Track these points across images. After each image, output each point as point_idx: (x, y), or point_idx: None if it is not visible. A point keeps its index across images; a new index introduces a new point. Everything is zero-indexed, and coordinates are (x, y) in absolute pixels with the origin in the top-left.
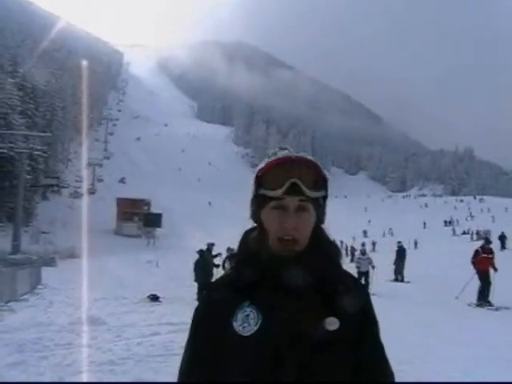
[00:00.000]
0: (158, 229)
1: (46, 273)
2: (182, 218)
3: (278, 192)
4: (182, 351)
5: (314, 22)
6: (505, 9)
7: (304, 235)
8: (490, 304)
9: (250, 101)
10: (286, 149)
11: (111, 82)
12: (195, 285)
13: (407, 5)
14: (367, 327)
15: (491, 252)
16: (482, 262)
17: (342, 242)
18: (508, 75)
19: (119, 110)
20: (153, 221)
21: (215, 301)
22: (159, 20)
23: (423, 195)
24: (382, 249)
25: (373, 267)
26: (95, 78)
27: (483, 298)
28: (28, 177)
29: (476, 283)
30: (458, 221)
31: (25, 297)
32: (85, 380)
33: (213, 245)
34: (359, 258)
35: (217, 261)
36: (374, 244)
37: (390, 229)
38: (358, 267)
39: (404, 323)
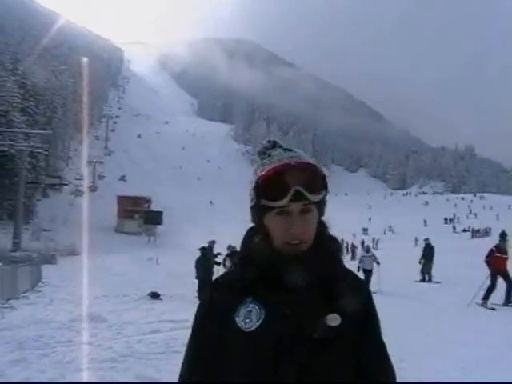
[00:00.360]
0: (158, 226)
1: (47, 270)
2: (182, 216)
3: (283, 202)
4: (183, 348)
5: (315, 20)
6: (505, 9)
7: (310, 236)
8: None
9: (250, 98)
10: (275, 145)
11: (112, 80)
12: (196, 282)
13: (409, 5)
14: (369, 325)
15: (506, 252)
16: (498, 261)
17: (342, 241)
18: (508, 75)
19: (119, 108)
20: (153, 218)
21: (218, 297)
22: (160, 17)
23: (424, 193)
24: (383, 245)
25: (377, 263)
26: (96, 76)
27: (487, 296)
28: (28, 175)
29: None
30: (458, 218)
31: (25, 294)
32: (85, 377)
33: (214, 242)
34: (363, 255)
35: (217, 259)
36: (376, 242)
37: (390, 226)
38: (361, 265)
39: (406, 322)
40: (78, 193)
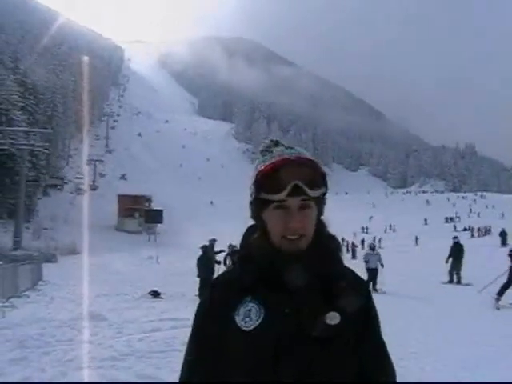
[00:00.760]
0: (158, 225)
1: (47, 269)
2: (182, 214)
3: (281, 196)
4: (183, 347)
5: (315, 19)
6: (505, 9)
7: (309, 231)
8: None
9: (251, 97)
10: (278, 143)
11: (112, 79)
12: (197, 280)
13: (410, 6)
14: (368, 323)
15: None
16: None
17: (343, 240)
18: (509, 73)
19: (120, 106)
20: (154, 217)
21: (218, 296)
22: (160, 16)
23: (424, 192)
24: (384, 244)
25: (382, 265)
26: (96, 74)
27: (502, 292)
28: (29, 173)
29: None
30: (459, 217)
31: (26, 293)
32: (86, 376)
33: (215, 241)
34: (368, 253)
35: (219, 257)
36: (379, 241)
37: (391, 225)
38: (366, 262)
39: (407, 321)
40: (78, 191)
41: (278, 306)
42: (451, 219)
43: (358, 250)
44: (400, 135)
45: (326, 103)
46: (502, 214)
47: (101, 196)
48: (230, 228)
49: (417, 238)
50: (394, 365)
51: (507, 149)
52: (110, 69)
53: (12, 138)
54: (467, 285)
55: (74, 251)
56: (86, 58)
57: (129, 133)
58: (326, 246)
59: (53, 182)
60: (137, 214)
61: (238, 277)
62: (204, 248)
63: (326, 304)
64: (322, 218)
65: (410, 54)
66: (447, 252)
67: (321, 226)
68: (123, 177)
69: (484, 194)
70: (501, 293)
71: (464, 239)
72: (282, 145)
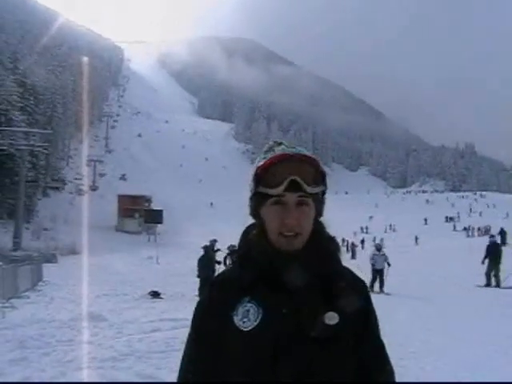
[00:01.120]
0: (158, 225)
1: (47, 269)
2: (182, 215)
3: (279, 190)
4: (183, 347)
5: (315, 19)
6: (505, 9)
7: (305, 229)
8: None
9: (250, 97)
10: (281, 144)
11: (112, 79)
12: (197, 281)
13: (410, 6)
14: (367, 323)
15: None
16: None
17: (343, 240)
18: (509, 73)
19: (120, 106)
20: (153, 217)
21: (216, 296)
22: (160, 16)
23: (424, 191)
24: (385, 244)
25: (388, 264)
26: (96, 75)
27: None
28: (29, 174)
29: None
30: (459, 217)
31: (26, 293)
32: (86, 376)
33: (215, 241)
34: (374, 254)
35: (218, 257)
36: (381, 240)
37: (391, 225)
38: (372, 264)
39: (408, 321)
40: (78, 192)
41: (277, 306)
42: (451, 219)
43: (358, 249)
44: (400, 135)
45: (326, 103)
46: (507, 214)
47: (101, 196)
48: (230, 228)
49: (417, 238)
50: (394, 364)
51: (507, 148)
52: (109, 69)
53: (12, 139)
54: (509, 288)
55: (73, 251)
56: (85, 59)
57: (128, 133)
58: (324, 246)
59: (54, 185)
60: (137, 215)
61: (236, 276)
62: (206, 248)
63: (324, 304)
64: (321, 219)
65: (409, 53)
66: (447, 251)
67: (319, 226)
68: (123, 177)
69: (484, 193)
70: None
71: (461, 238)
72: (285, 145)
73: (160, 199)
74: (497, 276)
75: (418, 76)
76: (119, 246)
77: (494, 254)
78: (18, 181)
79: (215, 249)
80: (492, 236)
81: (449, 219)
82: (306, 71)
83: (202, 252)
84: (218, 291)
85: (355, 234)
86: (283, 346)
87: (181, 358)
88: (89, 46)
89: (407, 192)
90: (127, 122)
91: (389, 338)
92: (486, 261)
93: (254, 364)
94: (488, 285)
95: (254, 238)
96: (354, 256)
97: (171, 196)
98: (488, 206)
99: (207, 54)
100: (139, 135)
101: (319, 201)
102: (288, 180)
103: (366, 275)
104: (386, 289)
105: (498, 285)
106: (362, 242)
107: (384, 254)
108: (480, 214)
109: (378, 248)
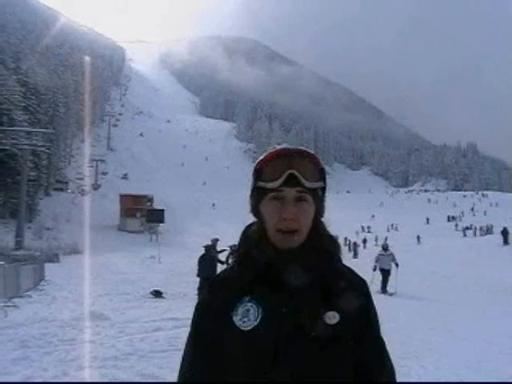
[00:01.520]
0: (160, 224)
1: (50, 269)
2: (184, 214)
3: (276, 183)
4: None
5: (317, 19)
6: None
7: (303, 225)
8: None
9: (252, 96)
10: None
11: (114, 78)
12: (197, 280)
13: (411, 6)
14: (368, 323)
15: None
16: None
17: (345, 239)
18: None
19: (122, 106)
20: (155, 217)
21: (216, 295)
22: (161, 16)
23: (426, 190)
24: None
25: (396, 265)
26: (97, 74)
27: None
28: (31, 173)
29: None
30: (462, 216)
31: (28, 293)
32: (88, 375)
33: (217, 240)
34: (380, 253)
35: (221, 256)
36: (385, 240)
37: (393, 224)
38: (379, 264)
39: (412, 321)
40: (80, 191)
41: (277, 305)
42: (453, 218)
43: (360, 249)
44: (402, 134)
45: (328, 102)
46: None
47: (102, 196)
48: (231, 227)
49: (419, 237)
50: (395, 364)
51: (509, 147)
52: (111, 69)
53: (14, 138)
54: None
55: (75, 251)
56: (87, 58)
57: (130, 132)
58: (324, 245)
59: (58, 186)
60: (138, 214)
61: (236, 276)
62: (207, 247)
63: (325, 303)
64: (322, 219)
65: (412, 52)
66: (449, 251)
67: (320, 225)
68: (125, 176)
69: (485, 192)
70: None
71: (458, 238)
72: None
73: (162, 199)
74: None
75: (420, 75)
76: (121, 246)
77: None
78: (20, 180)
79: (219, 249)
80: None
81: (451, 218)
82: (307, 70)
83: (202, 251)
84: (217, 291)
85: (357, 233)
86: (283, 346)
87: (181, 357)
88: (90, 46)
89: (409, 191)
90: (129, 122)
91: (390, 337)
92: None
93: (254, 364)
94: None
95: (253, 236)
96: (356, 255)
97: (173, 195)
98: (491, 205)
99: (209, 53)
100: (141, 135)
101: (319, 198)
102: (286, 174)
103: (368, 275)
104: (390, 290)
105: None
106: (364, 241)
107: (391, 254)
108: (485, 213)
109: (385, 248)
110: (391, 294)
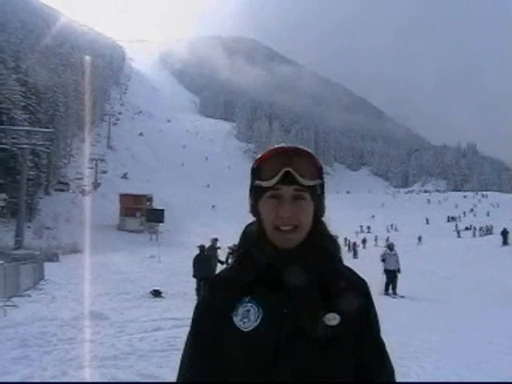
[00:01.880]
0: (160, 224)
1: (49, 268)
2: (184, 214)
3: (272, 181)
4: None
5: (317, 19)
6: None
7: (302, 223)
8: None
9: (252, 96)
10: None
11: (114, 78)
12: (194, 280)
13: (411, 4)
14: (368, 323)
15: None
16: None
17: (345, 239)
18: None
19: (122, 104)
20: (155, 216)
21: (216, 296)
22: (161, 16)
23: (426, 191)
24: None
25: (398, 269)
26: (97, 74)
27: None
28: (31, 172)
29: None
30: (460, 217)
31: (27, 292)
32: (87, 375)
33: (216, 240)
34: (386, 253)
35: (219, 256)
36: (386, 240)
37: (392, 224)
38: (384, 265)
39: (414, 321)
40: (81, 191)
41: (277, 306)
42: (453, 218)
43: (360, 249)
44: (402, 134)
45: (328, 102)
46: None
47: (102, 195)
48: (231, 227)
49: (420, 238)
50: (395, 364)
51: (509, 148)
52: (111, 68)
53: (14, 138)
54: None
55: (75, 250)
56: (87, 58)
57: (130, 132)
58: (325, 245)
59: (59, 187)
60: (138, 214)
61: (236, 276)
62: (201, 247)
63: (325, 304)
64: (323, 218)
65: (411, 52)
66: (450, 251)
67: (320, 225)
68: (125, 176)
69: (485, 193)
70: None
71: (452, 239)
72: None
73: (161, 198)
74: None
75: (420, 75)
76: (121, 245)
77: None
78: (19, 179)
79: (216, 247)
80: None
81: (451, 219)
82: (307, 70)
83: (197, 251)
84: (217, 291)
85: (357, 233)
86: (284, 347)
87: (180, 357)
88: (90, 45)
89: (409, 191)
90: (129, 121)
91: (390, 338)
92: None
93: (254, 364)
94: None
95: (252, 235)
96: (355, 255)
97: (173, 195)
98: (492, 206)
99: (209, 53)
100: (141, 134)
101: (317, 196)
102: (282, 172)
103: (368, 275)
104: (399, 292)
105: None
106: (364, 241)
107: (396, 254)
108: (488, 214)
109: (391, 247)
110: (402, 297)
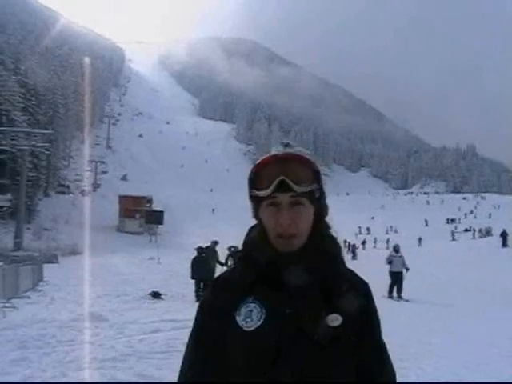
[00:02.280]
0: (159, 226)
1: (48, 269)
2: (183, 215)
3: (268, 191)
4: (184, 348)
5: (316, 20)
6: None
7: (301, 229)
8: None
9: (251, 97)
10: (287, 144)
11: (113, 79)
12: (193, 282)
13: (410, 6)
14: (369, 325)
15: None
16: None
17: (345, 241)
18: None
19: (121, 106)
20: (155, 218)
21: (219, 296)
22: (160, 17)
23: (425, 193)
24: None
25: (406, 269)
26: (97, 75)
27: None
28: (30, 174)
29: None
30: (461, 219)
31: (27, 293)
32: (87, 376)
33: (216, 242)
34: (392, 255)
35: (219, 257)
36: (387, 241)
37: (391, 226)
38: (389, 265)
39: (414, 322)
40: (81, 192)
41: (280, 306)
42: (452, 220)
43: (359, 250)
44: (401, 136)
45: (327, 104)
46: None
47: (102, 197)
48: (231, 229)
49: (420, 239)
50: (395, 366)
51: (508, 150)
52: (110, 69)
53: (13, 139)
54: None
55: (74, 252)
56: (86, 59)
57: (130, 133)
58: (326, 247)
59: (60, 190)
60: (138, 215)
61: (238, 276)
62: (199, 249)
63: (326, 305)
64: (326, 219)
65: (410, 54)
66: (449, 253)
67: (322, 226)
68: (124, 177)
69: (484, 194)
70: None
71: (447, 241)
72: (285, 145)
73: (161, 200)
74: None
75: (420, 76)
76: (120, 247)
77: None
78: (19, 181)
79: (216, 249)
80: None
81: (450, 221)
82: (306, 72)
83: (195, 253)
84: (220, 291)
85: (356, 235)
86: (286, 347)
87: (182, 357)
88: (90, 47)
89: (408, 193)
90: (128, 123)
91: (389, 339)
92: None
93: (255, 364)
94: None
95: (255, 238)
96: (354, 257)
97: (172, 197)
98: (494, 207)
99: (208, 54)
100: (140, 136)
101: (317, 200)
102: (276, 181)
103: (369, 276)
104: (404, 296)
105: None
106: (363, 242)
107: (402, 256)
108: (490, 215)
109: (396, 249)
110: (407, 301)
